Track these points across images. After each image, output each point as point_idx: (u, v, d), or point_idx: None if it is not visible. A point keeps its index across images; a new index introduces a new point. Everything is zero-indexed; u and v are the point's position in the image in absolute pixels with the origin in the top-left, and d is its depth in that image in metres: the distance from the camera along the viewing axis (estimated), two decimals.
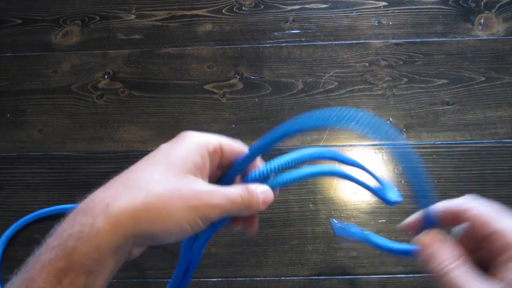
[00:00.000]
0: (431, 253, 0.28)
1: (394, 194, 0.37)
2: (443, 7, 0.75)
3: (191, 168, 0.29)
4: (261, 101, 0.69)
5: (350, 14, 0.75)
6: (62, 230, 0.26)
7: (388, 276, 0.58)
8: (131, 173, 0.29)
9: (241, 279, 0.58)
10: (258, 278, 0.57)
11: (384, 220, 0.61)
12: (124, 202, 0.27)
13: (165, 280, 0.57)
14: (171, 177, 0.28)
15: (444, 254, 0.27)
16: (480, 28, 0.73)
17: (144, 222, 0.27)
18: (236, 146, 0.33)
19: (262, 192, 0.31)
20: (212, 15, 0.76)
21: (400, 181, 0.63)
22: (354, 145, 0.66)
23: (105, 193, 0.28)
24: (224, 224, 0.32)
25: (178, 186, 0.28)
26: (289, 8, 0.76)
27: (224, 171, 0.33)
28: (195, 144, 0.30)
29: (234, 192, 0.30)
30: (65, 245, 0.26)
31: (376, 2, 0.76)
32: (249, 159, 0.32)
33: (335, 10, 0.75)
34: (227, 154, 0.32)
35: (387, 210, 0.62)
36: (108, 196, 0.28)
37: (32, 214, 0.61)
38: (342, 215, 0.60)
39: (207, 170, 0.31)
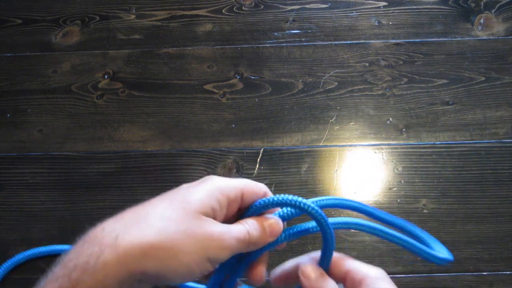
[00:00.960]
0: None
1: (442, 251, 0.33)
2: (443, 7, 0.75)
3: (207, 211, 0.29)
4: (261, 101, 0.69)
5: (350, 14, 0.75)
6: (68, 260, 0.26)
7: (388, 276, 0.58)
8: (145, 208, 0.29)
9: (240, 279, 0.58)
10: None
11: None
12: (134, 237, 0.26)
13: None
14: (185, 217, 0.28)
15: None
16: (480, 28, 0.73)
17: (152, 260, 0.26)
18: (259, 190, 0.32)
19: (269, 224, 0.31)
20: (212, 15, 0.76)
21: (401, 181, 0.63)
22: (354, 145, 0.66)
23: (116, 224, 0.28)
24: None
25: (190, 227, 0.27)
26: (289, 8, 0.76)
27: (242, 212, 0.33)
28: (216, 189, 0.30)
29: (240, 228, 0.29)
30: (69, 276, 0.25)
31: (376, 2, 0.76)
32: (265, 206, 0.31)
33: (335, 10, 0.75)
34: (248, 198, 0.32)
35: (387, 210, 0.62)
36: (118, 228, 0.27)
37: (25, 253, 0.60)
38: (342, 215, 0.60)
39: (223, 215, 0.30)
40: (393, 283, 0.30)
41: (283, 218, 0.32)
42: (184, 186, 0.30)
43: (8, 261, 0.59)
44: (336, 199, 0.33)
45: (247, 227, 0.29)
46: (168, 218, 0.27)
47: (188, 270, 0.27)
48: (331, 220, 0.32)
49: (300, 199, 0.30)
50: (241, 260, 0.31)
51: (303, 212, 0.31)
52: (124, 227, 0.27)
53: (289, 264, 0.33)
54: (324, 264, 0.32)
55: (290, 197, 0.30)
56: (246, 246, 0.29)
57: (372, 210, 0.35)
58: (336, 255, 0.32)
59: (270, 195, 0.32)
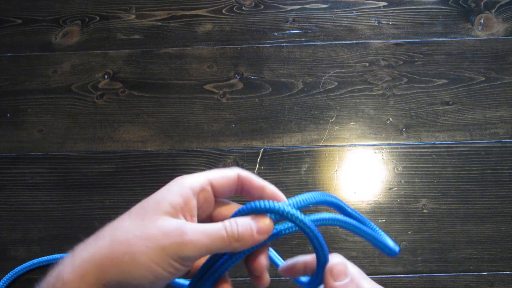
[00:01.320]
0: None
1: (392, 244, 0.35)
2: (443, 7, 0.75)
3: (167, 209, 0.27)
4: (261, 101, 0.69)
5: (350, 14, 0.75)
6: (43, 283, 0.27)
7: (388, 276, 0.58)
8: (108, 224, 0.28)
9: (241, 279, 0.58)
10: None
11: (384, 220, 0.61)
12: (89, 251, 0.26)
13: None
14: (139, 220, 0.27)
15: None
16: (480, 28, 0.73)
17: (109, 269, 0.26)
18: (229, 177, 0.31)
19: (256, 220, 0.28)
20: (212, 15, 0.76)
21: (401, 181, 0.63)
22: (354, 145, 0.66)
23: (79, 245, 0.28)
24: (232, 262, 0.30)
25: (144, 229, 0.26)
26: (289, 8, 0.76)
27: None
28: (176, 186, 0.29)
29: (217, 225, 0.27)
30: None
31: (376, 2, 0.76)
32: (251, 211, 0.29)
33: (335, 10, 0.75)
34: (220, 187, 0.30)
35: (387, 210, 0.62)
36: (78, 247, 0.27)
37: (25, 265, 0.60)
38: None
39: (193, 209, 0.29)
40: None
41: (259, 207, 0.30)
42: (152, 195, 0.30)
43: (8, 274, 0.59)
44: (329, 217, 0.32)
45: (226, 225, 0.28)
46: (122, 227, 0.27)
47: (151, 272, 0.26)
48: (311, 217, 0.31)
49: (288, 208, 0.29)
50: (233, 256, 0.30)
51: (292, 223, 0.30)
52: (83, 245, 0.27)
53: (297, 259, 0.34)
54: (319, 275, 0.32)
55: (278, 205, 0.28)
56: (228, 244, 0.27)
57: (341, 204, 0.35)
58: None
59: (245, 177, 0.31)
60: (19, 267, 0.59)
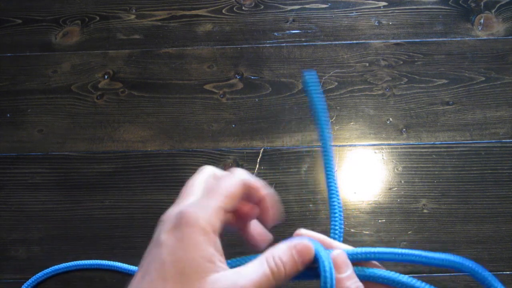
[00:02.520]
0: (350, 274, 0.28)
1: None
2: (443, 7, 0.75)
3: (207, 267, 0.24)
4: (261, 101, 0.69)
5: (350, 14, 0.75)
6: None
7: None
8: None
9: None
10: None
11: (384, 220, 0.61)
12: None
13: None
14: None
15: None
16: (480, 28, 0.73)
17: None
18: (232, 199, 0.28)
19: (299, 250, 0.26)
20: (212, 15, 0.76)
21: (401, 181, 0.63)
22: (354, 145, 0.66)
23: None
24: None
25: None
26: (289, 8, 0.76)
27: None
28: (200, 234, 0.25)
29: (261, 274, 0.25)
30: None
31: (376, 2, 0.76)
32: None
33: (335, 10, 0.75)
34: (249, 194, 0.28)
35: (387, 210, 0.62)
36: None
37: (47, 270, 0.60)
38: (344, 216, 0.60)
39: (220, 247, 0.26)
40: None
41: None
42: (167, 244, 0.25)
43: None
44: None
45: (271, 266, 0.25)
46: None
47: None
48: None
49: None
50: None
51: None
52: None
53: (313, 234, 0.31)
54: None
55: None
56: (274, 285, 0.25)
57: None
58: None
59: (250, 186, 0.28)
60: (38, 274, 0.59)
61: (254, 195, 0.29)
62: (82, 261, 0.60)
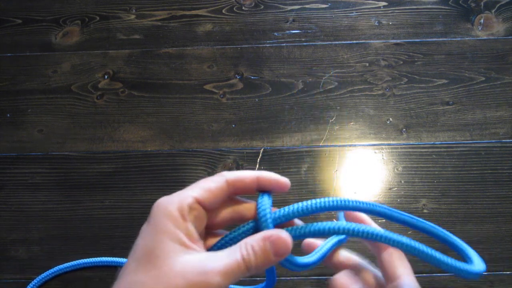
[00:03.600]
0: None
1: (477, 261, 0.29)
2: (443, 7, 0.75)
3: (175, 247, 0.26)
4: (261, 101, 0.69)
5: (350, 14, 0.75)
6: None
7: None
8: (120, 280, 0.26)
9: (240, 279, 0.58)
10: (258, 278, 0.57)
11: (384, 220, 0.61)
12: None
13: None
14: (156, 270, 0.25)
15: None
16: (480, 28, 0.73)
17: None
18: (219, 192, 0.29)
19: (273, 242, 0.27)
20: (212, 15, 0.76)
21: (401, 181, 0.63)
22: (354, 145, 0.66)
23: None
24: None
25: (165, 279, 0.25)
26: (289, 8, 0.76)
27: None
28: (167, 219, 0.27)
29: (232, 261, 0.26)
30: None
31: (376, 2, 0.76)
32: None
33: (335, 10, 0.75)
34: (212, 200, 0.29)
35: None
36: None
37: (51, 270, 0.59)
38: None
39: (193, 231, 0.27)
40: None
41: (285, 216, 0.29)
42: (143, 233, 0.27)
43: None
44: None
45: (243, 254, 0.26)
46: (139, 282, 0.25)
47: None
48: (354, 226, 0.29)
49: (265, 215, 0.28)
50: None
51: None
52: None
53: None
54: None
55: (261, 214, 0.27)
56: (246, 273, 0.26)
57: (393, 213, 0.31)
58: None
59: (235, 180, 0.29)
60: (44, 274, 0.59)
61: (247, 183, 0.30)
62: (85, 259, 0.60)
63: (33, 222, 0.62)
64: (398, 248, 0.29)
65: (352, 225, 0.29)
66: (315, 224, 0.29)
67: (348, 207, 0.29)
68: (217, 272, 0.25)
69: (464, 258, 0.31)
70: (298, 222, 0.31)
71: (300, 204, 0.29)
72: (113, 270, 0.59)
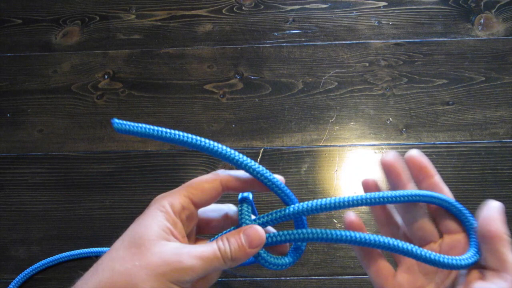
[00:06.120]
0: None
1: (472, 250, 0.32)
2: (443, 7, 0.75)
3: (160, 234, 0.28)
4: (261, 101, 0.69)
5: (350, 14, 0.75)
6: None
7: None
8: (104, 256, 0.29)
9: (241, 279, 0.58)
10: (258, 278, 0.57)
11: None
12: (90, 286, 0.27)
13: None
14: (136, 249, 0.27)
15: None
16: (480, 28, 0.73)
17: None
18: (207, 188, 0.31)
19: (247, 235, 0.29)
20: (212, 15, 0.76)
21: None
22: (354, 145, 0.66)
23: (79, 280, 0.28)
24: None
25: (143, 257, 0.27)
26: (289, 8, 0.76)
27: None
28: (158, 211, 0.29)
29: (211, 247, 0.28)
30: None
31: (376, 2, 0.76)
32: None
33: (335, 10, 0.75)
34: (200, 198, 0.30)
35: None
36: (79, 281, 0.28)
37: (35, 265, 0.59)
38: (342, 215, 0.60)
39: (181, 228, 0.29)
40: None
41: (263, 224, 0.30)
42: (135, 220, 0.30)
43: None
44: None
45: (219, 246, 0.28)
46: (120, 258, 0.27)
47: None
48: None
49: (238, 156, 0.30)
50: None
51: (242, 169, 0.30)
52: (84, 278, 0.28)
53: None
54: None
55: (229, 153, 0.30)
56: (224, 264, 0.28)
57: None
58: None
59: (229, 179, 0.31)
60: (31, 267, 0.59)
61: (239, 184, 0.31)
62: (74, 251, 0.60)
63: (33, 222, 0.62)
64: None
65: (327, 232, 0.30)
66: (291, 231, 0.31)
67: (331, 208, 0.31)
68: (192, 255, 0.27)
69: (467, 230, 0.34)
70: (271, 229, 0.32)
71: (277, 211, 0.30)
72: None
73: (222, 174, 0.31)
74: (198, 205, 0.30)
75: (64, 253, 0.60)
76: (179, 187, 0.31)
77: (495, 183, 0.63)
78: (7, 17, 0.77)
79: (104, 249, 0.60)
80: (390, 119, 0.67)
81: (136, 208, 0.62)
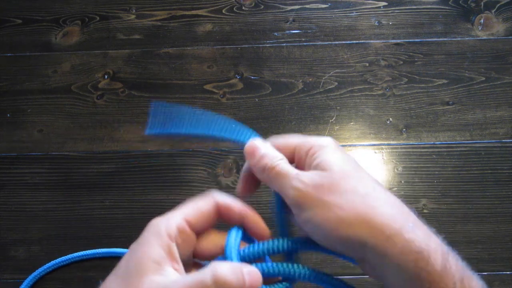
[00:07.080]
0: (263, 153, 0.34)
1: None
2: (443, 7, 0.75)
3: (150, 267, 0.27)
4: (261, 101, 0.69)
5: (350, 14, 0.75)
6: None
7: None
8: None
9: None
10: None
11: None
12: None
13: None
14: (125, 286, 0.27)
15: (273, 153, 0.34)
16: (480, 28, 0.73)
17: None
18: (204, 212, 0.30)
19: (249, 272, 0.28)
20: (212, 15, 0.76)
21: (401, 181, 0.63)
22: (354, 145, 0.66)
23: None
24: None
25: None
26: (289, 8, 0.76)
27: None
28: (153, 237, 0.28)
29: (193, 280, 0.26)
30: None
31: (376, 2, 0.76)
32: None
33: (335, 10, 0.75)
34: (199, 223, 0.30)
35: None
36: None
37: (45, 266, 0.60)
38: None
39: (176, 255, 0.28)
40: (341, 149, 0.32)
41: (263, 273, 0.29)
42: (130, 248, 0.29)
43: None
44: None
45: (212, 272, 0.27)
46: None
47: None
48: None
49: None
50: None
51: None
52: None
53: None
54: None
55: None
56: None
57: None
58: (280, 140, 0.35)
59: (224, 205, 0.30)
60: (42, 267, 0.59)
61: (232, 215, 0.31)
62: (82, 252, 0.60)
63: (33, 222, 0.62)
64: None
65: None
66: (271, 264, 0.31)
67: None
68: None
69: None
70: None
71: (266, 243, 0.31)
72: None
73: (219, 199, 0.31)
74: (194, 227, 0.30)
75: (77, 253, 0.60)
76: (175, 209, 0.30)
77: (495, 183, 0.63)
78: (7, 17, 0.77)
79: (104, 250, 0.60)
80: (390, 119, 0.67)
81: (136, 208, 0.62)
